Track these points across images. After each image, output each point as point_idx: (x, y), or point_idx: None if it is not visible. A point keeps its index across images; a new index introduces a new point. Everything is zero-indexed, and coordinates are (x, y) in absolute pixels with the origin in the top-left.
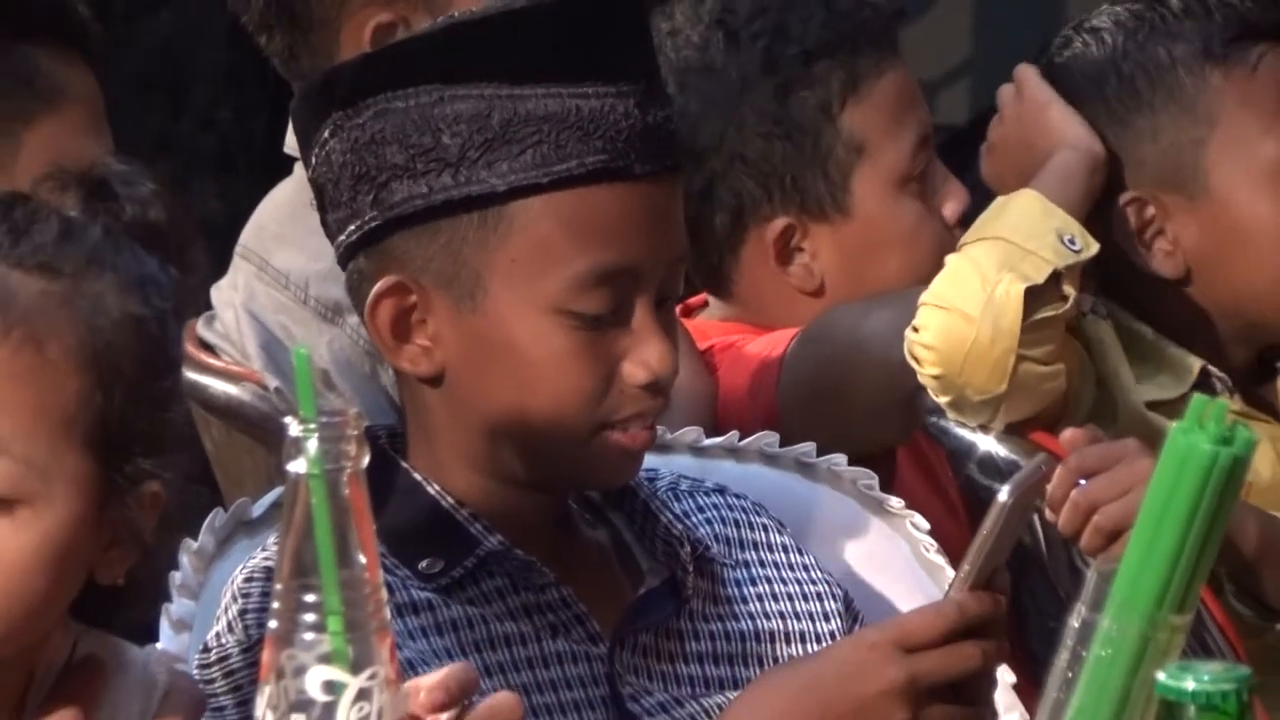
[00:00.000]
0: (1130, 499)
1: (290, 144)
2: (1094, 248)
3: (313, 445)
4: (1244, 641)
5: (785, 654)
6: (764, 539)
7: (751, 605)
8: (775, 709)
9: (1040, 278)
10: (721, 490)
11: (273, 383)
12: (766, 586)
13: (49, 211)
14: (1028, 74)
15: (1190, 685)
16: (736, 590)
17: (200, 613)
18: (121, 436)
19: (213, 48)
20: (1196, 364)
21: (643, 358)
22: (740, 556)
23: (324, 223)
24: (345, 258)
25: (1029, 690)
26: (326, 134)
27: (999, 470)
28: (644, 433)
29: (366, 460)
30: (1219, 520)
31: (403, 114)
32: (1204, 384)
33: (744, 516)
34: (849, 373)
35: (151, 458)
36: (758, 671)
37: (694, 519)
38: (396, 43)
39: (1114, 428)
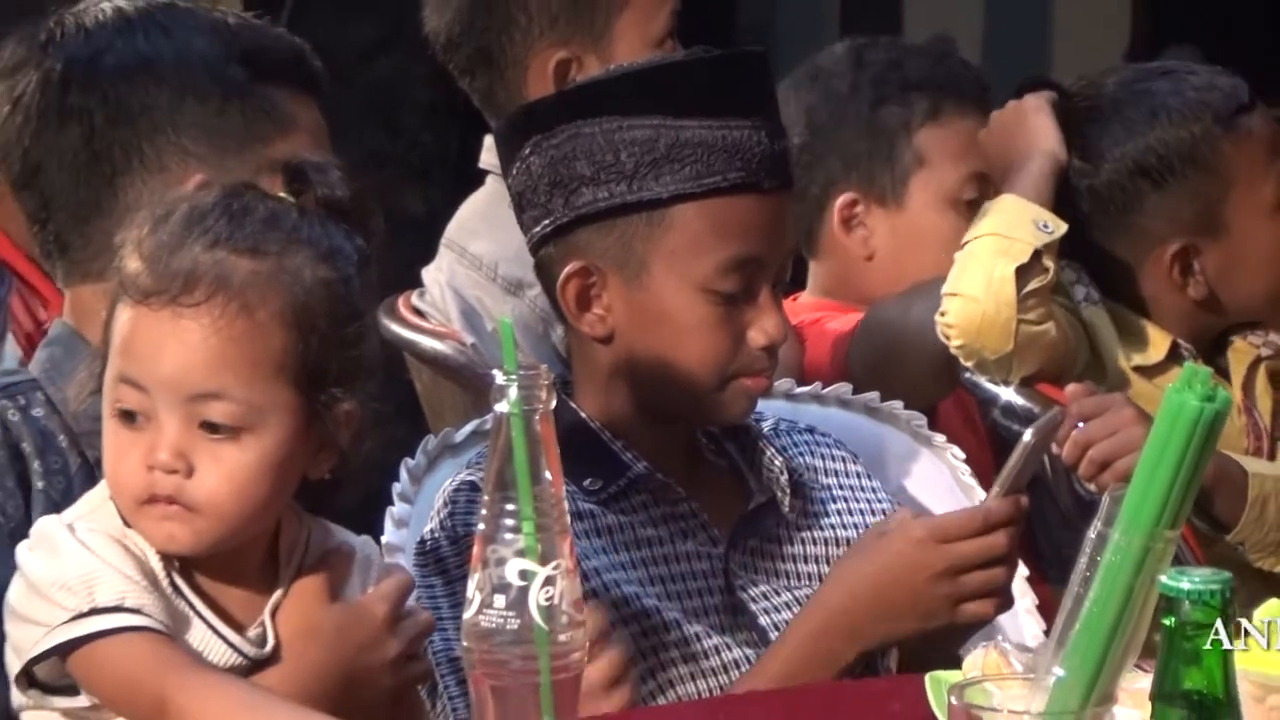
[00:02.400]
0: (1117, 438)
1: (485, 160)
2: (1063, 227)
3: (513, 391)
4: (1202, 549)
5: None
6: (842, 468)
7: (833, 519)
8: (843, 599)
9: (1025, 258)
10: (810, 430)
11: (469, 340)
12: (844, 504)
13: (258, 201)
14: (1033, 94)
15: (1186, 585)
16: (821, 507)
17: (414, 514)
18: (319, 373)
19: (418, 87)
20: (1168, 339)
21: (764, 327)
22: (824, 481)
23: (520, 220)
24: (537, 247)
25: (1038, 582)
26: (527, 151)
27: (1018, 415)
28: (763, 379)
29: (554, 404)
30: (1203, 459)
31: (590, 137)
32: (1174, 353)
33: (827, 450)
34: (897, 354)
35: (344, 385)
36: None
37: (790, 452)
38: (585, 83)
39: (1103, 385)
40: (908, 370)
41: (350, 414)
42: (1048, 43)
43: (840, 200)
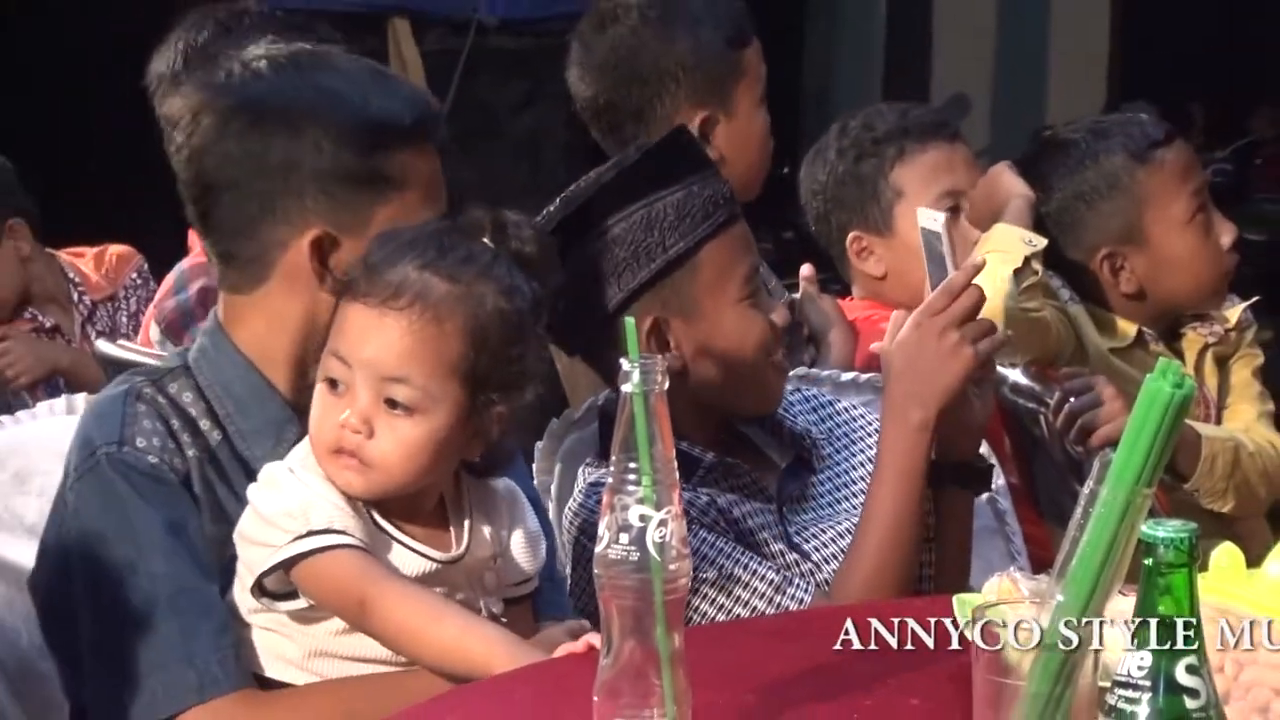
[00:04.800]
0: (1100, 410)
1: None
2: (1044, 241)
3: (636, 375)
4: (1166, 495)
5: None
6: (833, 410)
7: (842, 454)
8: (899, 388)
9: (1019, 263)
10: (798, 389)
11: None
12: (846, 438)
13: (463, 240)
14: (997, 164)
15: (1161, 533)
16: (832, 448)
17: (552, 472)
18: (484, 379)
19: (558, 136)
20: (1134, 327)
21: (775, 311)
22: (826, 426)
23: (574, 323)
24: (600, 329)
25: (1036, 519)
26: (573, 262)
27: (1023, 391)
28: (785, 362)
29: (667, 386)
30: (1173, 433)
31: (614, 231)
32: (1140, 338)
33: (818, 400)
34: None
35: (500, 393)
36: (865, 487)
37: (792, 411)
38: (588, 198)
39: (1088, 366)
40: None
41: (501, 415)
42: (1043, 98)
43: (849, 240)
